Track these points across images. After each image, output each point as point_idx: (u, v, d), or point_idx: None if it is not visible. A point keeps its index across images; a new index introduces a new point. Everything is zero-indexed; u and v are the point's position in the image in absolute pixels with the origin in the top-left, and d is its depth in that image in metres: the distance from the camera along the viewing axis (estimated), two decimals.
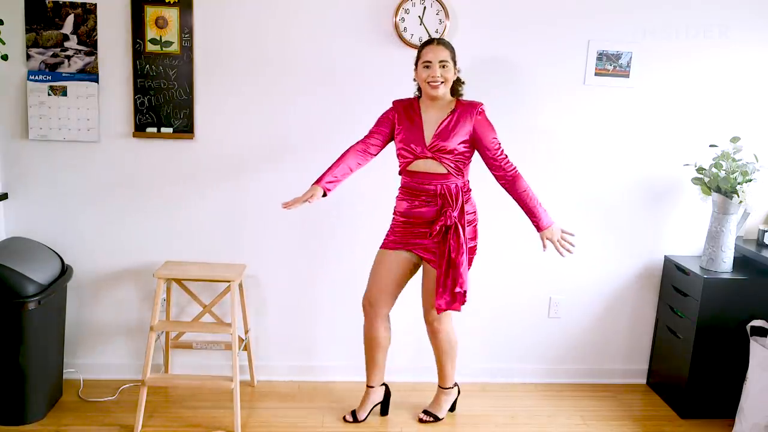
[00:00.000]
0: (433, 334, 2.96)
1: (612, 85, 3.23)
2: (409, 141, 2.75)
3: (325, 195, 2.70)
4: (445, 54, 2.69)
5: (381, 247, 2.90)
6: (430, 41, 2.75)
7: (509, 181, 2.77)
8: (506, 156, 2.78)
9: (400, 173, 2.85)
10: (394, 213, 2.90)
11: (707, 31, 3.21)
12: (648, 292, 3.48)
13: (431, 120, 2.76)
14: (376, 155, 2.84)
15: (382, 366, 3.01)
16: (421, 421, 3.05)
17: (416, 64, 2.76)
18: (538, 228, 2.79)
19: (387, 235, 2.90)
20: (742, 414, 2.98)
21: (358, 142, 2.82)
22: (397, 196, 2.89)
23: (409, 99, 2.84)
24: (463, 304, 2.78)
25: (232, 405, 2.91)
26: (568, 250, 2.80)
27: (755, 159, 3.10)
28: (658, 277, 3.45)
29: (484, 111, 2.77)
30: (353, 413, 3.04)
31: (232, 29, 3.04)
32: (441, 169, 2.75)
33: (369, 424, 3.02)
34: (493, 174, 2.80)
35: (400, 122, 2.79)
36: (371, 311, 2.90)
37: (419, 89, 2.82)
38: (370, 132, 2.83)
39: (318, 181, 2.70)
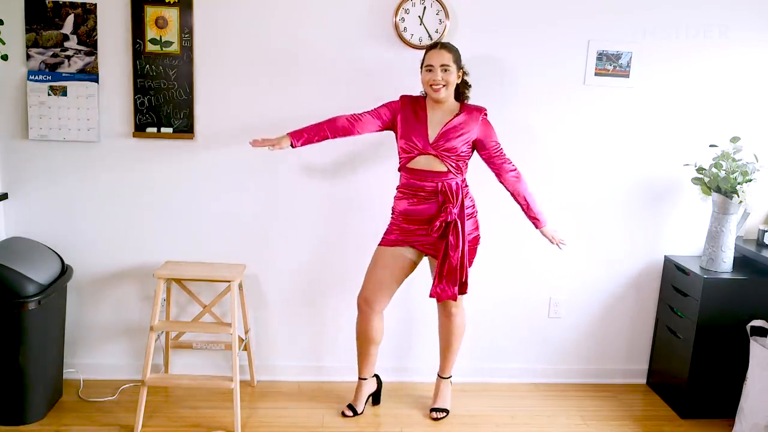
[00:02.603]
0: (449, 318, 3.00)
1: (612, 85, 3.23)
2: (410, 134, 2.78)
3: (292, 146, 2.78)
4: (447, 58, 2.74)
5: (380, 245, 2.93)
6: (434, 45, 2.80)
7: (513, 180, 2.87)
8: (507, 157, 2.87)
9: (399, 170, 2.87)
10: (393, 212, 2.92)
11: (707, 31, 3.21)
12: (648, 292, 3.48)
13: (436, 119, 2.80)
14: (363, 133, 2.86)
15: (375, 359, 3.05)
16: (435, 419, 3.07)
17: (421, 67, 2.81)
18: (541, 225, 2.91)
19: (386, 233, 2.92)
20: (742, 414, 2.98)
21: (349, 114, 2.83)
22: (396, 195, 2.91)
23: (417, 96, 2.89)
24: (464, 293, 2.86)
25: (232, 405, 2.91)
26: (563, 243, 2.94)
27: (755, 159, 3.10)
28: (658, 277, 3.45)
29: (487, 115, 2.86)
30: (350, 407, 3.06)
31: (232, 29, 3.04)
32: (442, 167, 2.79)
33: (368, 423, 3.02)
34: (496, 174, 2.89)
35: (404, 114, 2.82)
36: (367, 309, 2.93)
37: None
38: (368, 111, 2.86)
39: (291, 134, 2.77)
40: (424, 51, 2.84)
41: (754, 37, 3.23)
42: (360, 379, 3.08)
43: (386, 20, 3.08)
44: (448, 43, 2.84)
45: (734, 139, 3.11)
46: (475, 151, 2.88)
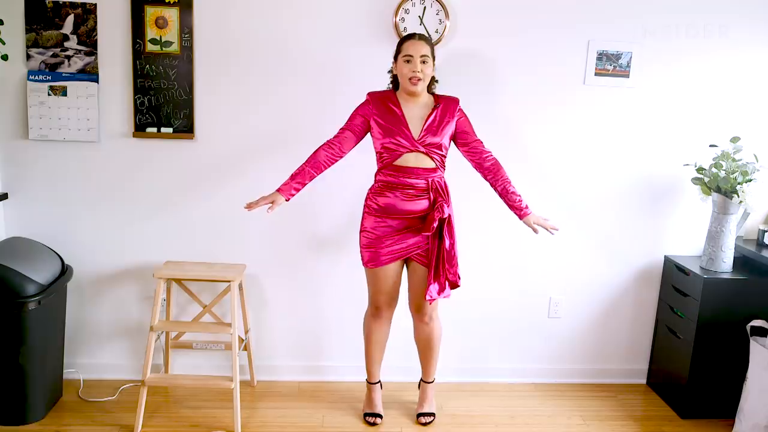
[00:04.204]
0: (425, 326, 2.96)
1: (612, 85, 3.22)
2: (394, 134, 2.72)
3: (287, 199, 2.71)
4: (426, 50, 2.70)
5: (373, 266, 2.83)
6: (411, 35, 2.75)
7: (492, 168, 2.80)
8: (483, 145, 2.83)
9: (382, 170, 2.79)
10: (369, 209, 2.81)
11: (707, 31, 3.21)
12: (648, 292, 3.48)
13: (414, 115, 2.75)
14: (348, 152, 2.80)
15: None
16: (425, 424, 3.04)
17: (396, 58, 2.76)
18: (524, 214, 2.78)
19: (374, 250, 2.80)
20: (742, 414, 2.98)
21: (327, 142, 2.77)
22: (373, 197, 2.80)
23: (385, 91, 2.82)
24: (455, 288, 2.82)
25: (232, 405, 2.91)
26: (555, 229, 2.79)
27: (755, 159, 3.10)
28: (658, 277, 3.45)
29: (461, 106, 2.83)
30: (374, 414, 3.03)
31: (232, 29, 3.04)
32: (430, 164, 2.76)
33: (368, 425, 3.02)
34: (474, 164, 2.84)
35: (378, 111, 2.75)
36: (383, 316, 2.95)
37: (393, 82, 2.83)
38: (342, 128, 2.79)
39: (281, 189, 2.70)
40: (398, 42, 2.77)
41: (754, 37, 3.23)
42: (374, 383, 3.07)
43: (386, 20, 3.08)
44: (424, 34, 2.81)
45: (734, 139, 3.11)
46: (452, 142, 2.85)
